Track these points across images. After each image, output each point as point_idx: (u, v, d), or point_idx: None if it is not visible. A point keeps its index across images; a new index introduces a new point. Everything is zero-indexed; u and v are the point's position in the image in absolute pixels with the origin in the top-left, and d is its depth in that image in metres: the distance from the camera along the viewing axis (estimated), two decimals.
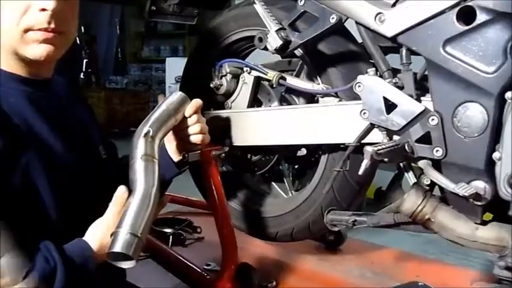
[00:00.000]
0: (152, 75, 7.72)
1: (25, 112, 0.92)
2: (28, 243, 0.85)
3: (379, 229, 1.22)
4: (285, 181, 1.56)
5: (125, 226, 0.89)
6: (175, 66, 5.02)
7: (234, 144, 1.43)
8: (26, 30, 0.90)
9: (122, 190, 0.97)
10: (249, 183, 1.64)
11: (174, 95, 1.16)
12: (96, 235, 0.93)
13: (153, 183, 0.97)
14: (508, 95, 0.90)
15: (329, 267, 1.66)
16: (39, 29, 0.90)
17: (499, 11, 0.90)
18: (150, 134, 1.05)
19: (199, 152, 1.32)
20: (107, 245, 0.89)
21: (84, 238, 0.93)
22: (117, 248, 0.87)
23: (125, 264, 0.90)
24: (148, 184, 0.96)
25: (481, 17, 0.92)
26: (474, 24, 0.93)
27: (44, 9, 0.90)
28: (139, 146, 1.03)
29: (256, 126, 1.38)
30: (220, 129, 1.42)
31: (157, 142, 1.07)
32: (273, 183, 1.61)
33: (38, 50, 0.91)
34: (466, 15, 0.94)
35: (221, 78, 1.47)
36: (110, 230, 0.91)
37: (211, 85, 1.48)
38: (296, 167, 1.61)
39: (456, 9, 0.95)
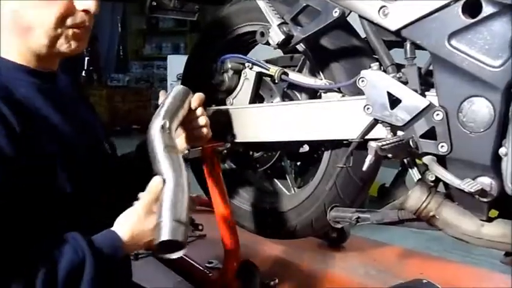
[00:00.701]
0: (154, 72, 7.72)
1: (37, 102, 0.94)
2: (49, 232, 0.86)
3: (382, 226, 1.21)
4: (287, 178, 1.55)
5: (167, 215, 0.88)
6: (176, 64, 5.01)
7: (236, 140, 1.41)
8: (68, 28, 0.94)
9: (157, 180, 0.95)
10: (251, 180, 1.63)
11: (178, 88, 1.16)
12: (126, 225, 0.92)
13: (181, 171, 0.96)
14: None
15: (332, 264, 1.65)
16: (79, 27, 0.96)
17: (505, 3, 0.88)
18: (167, 125, 1.05)
19: (200, 148, 1.31)
20: (137, 235, 0.91)
21: (113, 229, 0.92)
22: (166, 236, 0.85)
23: (175, 254, 0.89)
24: (177, 173, 0.95)
25: (487, 10, 0.90)
26: (480, 17, 0.91)
27: (87, 11, 0.95)
28: (158, 140, 1.02)
29: (258, 122, 1.36)
30: (222, 125, 1.40)
31: (173, 133, 1.07)
32: (275, 180, 1.60)
33: (74, 46, 0.97)
34: (472, 7, 0.92)
35: (223, 74, 1.45)
36: (141, 219, 0.92)
37: (212, 81, 1.47)
38: (298, 163, 1.59)
39: (462, 2, 0.93)
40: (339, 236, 1.82)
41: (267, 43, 1.24)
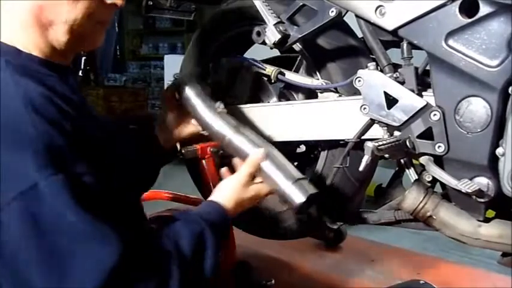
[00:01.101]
0: (151, 72, 7.70)
1: (71, 96, 0.89)
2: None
3: (379, 226, 1.21)
4: None
5: (286, 179, 0.96)
6: (173, 64, 5.00)
7: None
8: (98, 23, 0.90)
9: (260, 152, 1.02)
10: None
11: (191, 85, 1.18)
12: (228, 196, 0.99)
13: (263, 142, 1.04)
14: (511, 89, 0.88)
15: (329, 265, 1.65)
16: (103, 23, 0.92)
17: (502, 3, 0.88)
18: (221, 107, 1.11)
19: (197, 148, 1.30)
20: (237, 204, 0.99)
21: (215, 200, 0.98)
22: (305, 193, 0.94)
23: (313, 205, 0.98)
24: (264, 144, 1.03)
25: (484, 9, 0.90)
26: (477, 16, 0.91)
27: (115, 5, 0.91)
28: (222, 123, 1.08)
29: (254, 122, 1.35)
30: None
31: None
32: None
33: (96, 41, 0.94)
34: (469, 7, 0.92)
35: (219, 73, 1.45)
36: (241, 190, 1.00)
37: (208, 81, 1.46)
38: (295, 163, 1.59)
39: (459, 2, 0.93)
40: (336, 237, 1.82)
41: (264, 42, 1.23)
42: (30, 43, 0.86)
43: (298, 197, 0.93)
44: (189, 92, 1.15)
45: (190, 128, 1.21)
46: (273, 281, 1.48)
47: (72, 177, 0.73)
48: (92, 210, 0.73)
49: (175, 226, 0.88)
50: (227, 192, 1.00)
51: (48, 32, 0.86)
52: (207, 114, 1.12)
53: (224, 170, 1.13)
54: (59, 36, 0.86)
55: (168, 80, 5.42)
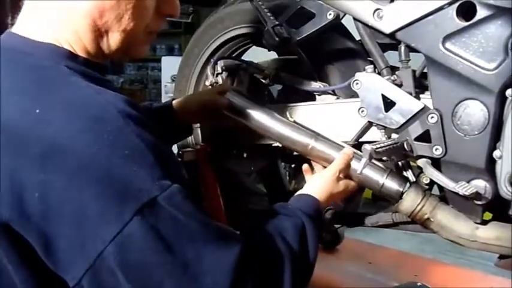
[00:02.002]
0: (148, 74, 7.69)
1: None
2: None
3: (376, 229, 1.21)
4: (282, 180, 1.54)
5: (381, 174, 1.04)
6: (171, 65, 4.99)
7: (232, 142, 1.41)
8: (149, 33, 0.87)
9: (351, 150, 1.07)
10: (245, 182, 1.62)
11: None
12: (322, 188, 1.03)
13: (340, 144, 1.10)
14: (508, 92, 0.89)
15: (326, 267, 1.65)
16: (155, 32, 0.89)
17: (499, 7, 0.88)
18: (291, 118, 1.19)
19: (194, 150, 1.30)
20: (327, 198, 1.02)
21: (307, 193, 1.01)
22: (404, 181, 1.04)
23: None
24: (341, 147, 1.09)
25: (481, 13, 0.90)
26: (474, 20, 0.91)
27: (170, 16, 0.89)
28: (300, 133, 1.13)
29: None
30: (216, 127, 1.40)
31: None
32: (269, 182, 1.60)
33: (146, 50, 0.90)
34: (466, 10, 0.92)
35: (217, 76, 1.45)
36: (332, 185, 1.04)
37: (206, 83, 1.46)
38: (293, 166, 1.59)
39: (456, 5, 0.93)
40: (333, 239, 1.82)
41: (262, 45, 1.24)
42: (77, 45, 0.81)
43: (399, 185, 1.02)
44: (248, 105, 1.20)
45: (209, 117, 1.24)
46: None
47: (181, 183, 0.72)
48: (205, 213, 0.73)
49: (279, 220, 0.88)
50: (320, 185, 1.04)
51: (102, 38, 0.82)
52: (282, 127, 1.16)
53: (305, 167, 1.16)
54: (112, 44, 0.82)
55: (165, 81, 5.41)
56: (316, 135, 1.12)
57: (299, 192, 1.04)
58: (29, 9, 0.83)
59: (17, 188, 0.66)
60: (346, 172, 1.07)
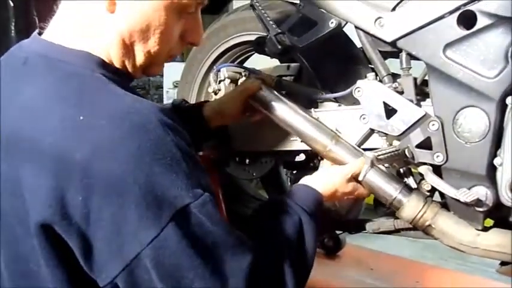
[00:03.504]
0: (150, 80, 7.69)
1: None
2: None
3: (378, 235, 1.21)
4: (284, 186, 1.55)
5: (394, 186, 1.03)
6: (173, 71, 4.99)
7: (234, 148, 1.42)
8: (169, 56, 0.90)
9: (362, 161, 1.05)
10: (247, 188, 1.63)
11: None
12: (329, 182, 1.02)
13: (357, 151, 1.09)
14: (509, 100, 0.90)
15: (328, 273, 1.65)
16: (175, 56, 0.92)
17: (500, 16, 0.89)
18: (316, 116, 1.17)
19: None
20: (333, 195, 1.02)
21: (311, 185, 1.00)
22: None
23: None
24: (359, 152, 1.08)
25: (481, 22, 0.91)
26: (475, 28, 0.92)
27: (192, 44, 0.93)
28: (321, 133, 1.11)
29: (254, 131, 1.36)
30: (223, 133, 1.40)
31: None
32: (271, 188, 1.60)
33: (161, 70, 0.94)
34: (467, 19, 0.93)
35: (219, 83, 1.46)
36: (344, 181, 1.03)
37: (209, 90, 1.47)
38: (295, 172, 1.59)
39: (457, 14, 0.94)
40: (335, 245, 1.82)
41: (264, 53, 1.25)
42: (105, 56, 0.84)
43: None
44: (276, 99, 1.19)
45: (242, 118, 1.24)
46: None
47: (210, 192, 0.76)
48: (223, 220, 0.77)
49: (278, 220, 0.89)
50: (329, 179, 1.03)
51: (128, 56, 0.85)
52: (304, 124, 1.14)
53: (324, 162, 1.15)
54: (136, 62, 0.86)
55: (167, 87, 5.42)
56: (337, 138, 1.10)
57: (307, 179, 1.03)
58: (62, 18, 0.85)
59: (60, 191, 0.69)
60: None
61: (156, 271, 0.69)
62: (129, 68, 0.86)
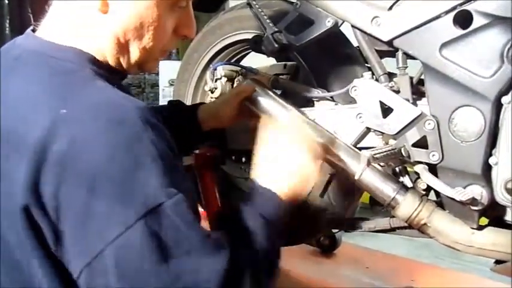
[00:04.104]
0: (145, 78, 7.69)
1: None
2: None
3: (373, 234, 1.22)
4: None
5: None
6: (168, 69, 5.00)
7: (230, 147, 1.42)
8: (163, 51, 0.91)
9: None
10: (243, 187, 1.62)
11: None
12: (291, 184, 0.90)
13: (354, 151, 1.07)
14: (504, 99, 0.90)
15: (324, 272, 1.66)
16: (168, 50, 0.93)
17: (496, 15, 0.90)
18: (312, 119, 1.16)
19: (193, 155, 1.31)
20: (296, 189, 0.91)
21: (274, 191, 0.88)
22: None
23: None
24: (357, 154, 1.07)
25: (477, 21, 0.92)
26: (471, 28, 0.92)
27: (185, 37, 0.93)
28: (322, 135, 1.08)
29: (250, 130, 1.36)
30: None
31: None
32: None
33: (156, 66, 0.95)
34: (463, 19, 0.93)
35: (216, 81, 1.46)
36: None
37: (205, 88, 1.47)
38: None
39: (453, 13, 0.94)
40: (331, 244, 1.82)
41: (261, 51, 1.25)
42: (99, 56, 0.85)
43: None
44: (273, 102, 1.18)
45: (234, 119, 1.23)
46: None
47: (186, 193, 0.74)
48: (198, 222, 0.74)
49: (243, 227, 0.84)
50: (289, 182, 0.92)
51: (122, 53, 0.85)
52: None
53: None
54: (131, 59, 0.87)
55: (163, 85, 5.41)
56: (334, 139, 1.09)
57: (262, 180, 0.90)
58: (55, 17, 0.86)
59: (35, 179, 0.69)
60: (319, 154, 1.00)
61: (117, 272, 0.67)
62: (124, 64, 0.87)
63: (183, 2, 0.87)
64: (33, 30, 0.88)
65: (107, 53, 0.85)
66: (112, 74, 0.85)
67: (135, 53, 0.86)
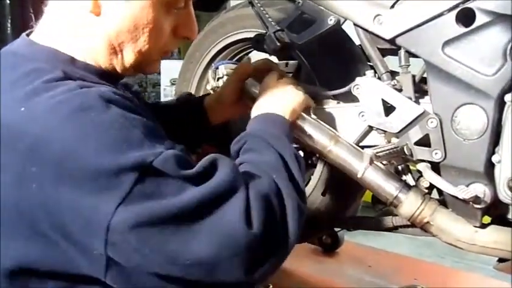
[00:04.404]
0: (147, 77, 7.70)
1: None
2: None
3: (375, 232, 1.22)
4: None
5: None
6: (170, 69, 5.00)
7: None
8: (164, 52, 0.90)
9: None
10: None
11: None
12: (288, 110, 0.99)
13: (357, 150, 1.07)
14: (507, 97, 0.90)
15: (326, 270, 1.66)
16: (169, 51, 0.92)
17: (498, 13, 0.89)
18: (314, 116, 1.12)
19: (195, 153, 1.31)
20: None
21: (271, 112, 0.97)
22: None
23: None
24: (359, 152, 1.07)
25: (480, 19, 0.91)
26: (473, 26, 0.92)
27: (187, 38, 0.92)
28: (321, 134, 1.08)
29: None
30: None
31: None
32: None
33: (158, 67, 0.94)
34: (466, 17, 0.93)
35: (218, 80, 1.45)
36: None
37: (207, 87, 1.47)
38: None
39: (455, 11, 0.94)
40: (333, 242, 1.82)
41: (263, 50, 1.25)
42: (91, 59, 0.84)
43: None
44: None
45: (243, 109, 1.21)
46: (271, 286, 1.48)
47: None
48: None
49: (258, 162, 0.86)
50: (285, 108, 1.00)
51: (116, 56, 0.85)
52: (303, 123, 1.10)
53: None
54: (126, 62, 0.85)
55: (164, 85, 5.42)
56: (337, 138, 1.08)
57: (260, 112, 0.99)
58: (49, 19, 0.85)
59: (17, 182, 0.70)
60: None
61: (135, 234, 0.68)
62: (118, 68, 0.86)
63: (181, 3, 0.85)
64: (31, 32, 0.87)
65: (99, 56, 0.84)
66: (91, 73, 0.83)
67: (129, 56, 0.85)
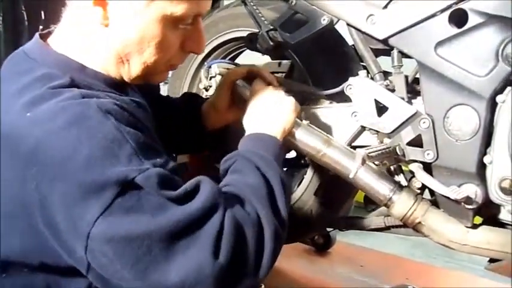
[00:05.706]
0: None
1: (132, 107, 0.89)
2: None
3: (367, 232, 1.22)
4: None
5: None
6: None
7: (228, 147, 1.41)
8: (170, 65, 0.92)
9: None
10: None
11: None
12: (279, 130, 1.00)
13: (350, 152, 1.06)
14: (499, 98, 0.90)
15: (318, 270, 1.66)
16: (177, 65, 0.94)
17: (491, 14, 0.90)
18: (306, 121, 1.11)
19: (186, 161, 1.30)
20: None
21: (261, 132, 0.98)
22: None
23: None
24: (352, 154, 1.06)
25: (473, 20, 0.92)
26: (466, 27, 0.92)
27: (194, 52, 0.93)
28: (314, 138, 1.07)
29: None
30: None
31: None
32: None
33: (165, 78, 0.97)
34: (458, 18, 0.93)
35: (210, 79, 1.45)
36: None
37: (200, 86, 1.46)
38: (285, 169, 1.59)
39: (448, 12, 0.94)
40: (325, 242, 1.82)
41: (256, 49, 1.24)
42: (99, 67, 0.86)
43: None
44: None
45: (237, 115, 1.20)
46: (263, 286, 1.48)
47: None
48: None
49: (243, 182, 0.87)
50: (277, 128, 1.00)
51: (123, 66, 0.87)
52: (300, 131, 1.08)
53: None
54: (132, 72, 0.88)
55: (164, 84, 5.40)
56: (329, 141, 1.07)
57: (252, 128, 1.00)
58: (64, 27, 0.88)
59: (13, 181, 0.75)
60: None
61: (110, 248, 0.70)
62: (126, 77, 0.89)
63: (188, 20, 0.86)
64: (47, 34, 0.90)
65: (108, 65, 0.87)
66: (100, 81, 0.86)
67: (136, 67, 0.87)
